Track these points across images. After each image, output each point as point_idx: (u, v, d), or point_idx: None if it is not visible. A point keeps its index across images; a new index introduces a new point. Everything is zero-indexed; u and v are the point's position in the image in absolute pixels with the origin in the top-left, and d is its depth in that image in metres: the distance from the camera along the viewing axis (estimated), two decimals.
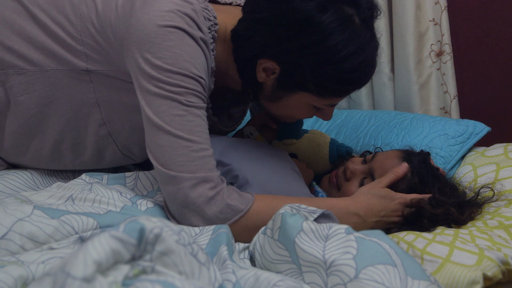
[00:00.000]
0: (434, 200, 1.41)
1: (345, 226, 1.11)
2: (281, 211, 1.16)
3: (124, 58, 1.31)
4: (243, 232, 1.29)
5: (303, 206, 1.22)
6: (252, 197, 1.31)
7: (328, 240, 1.09)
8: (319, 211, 1.22)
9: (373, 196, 1.40)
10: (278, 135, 1.72)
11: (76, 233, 1.18)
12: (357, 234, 1.08)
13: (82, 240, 1.18)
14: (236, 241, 1.28)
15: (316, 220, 1.22)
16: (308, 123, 2.16)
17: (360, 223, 1.35)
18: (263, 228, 1.22)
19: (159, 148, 1.26)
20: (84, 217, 1.21)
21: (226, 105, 1.68)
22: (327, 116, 1.47)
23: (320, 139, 1.69)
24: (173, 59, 1.25)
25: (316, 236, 1.10)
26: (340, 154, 1.69)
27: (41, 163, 1.51)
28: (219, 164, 1.43)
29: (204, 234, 1.24)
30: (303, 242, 1.10)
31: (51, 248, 1.14)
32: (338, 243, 1.08)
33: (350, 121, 2.03)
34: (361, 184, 1.51)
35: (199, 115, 1.28)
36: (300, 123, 1.71)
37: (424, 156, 1.54)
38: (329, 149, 1.67)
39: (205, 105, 1.31)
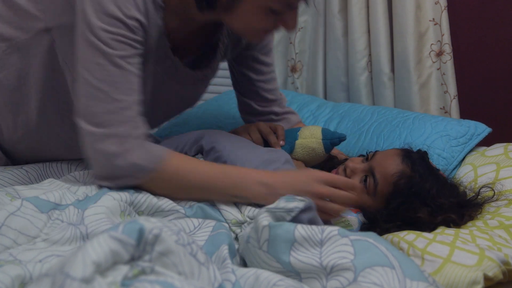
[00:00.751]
0: (433, 207, 1.42)
1: (337, 228, 1.10)
2: (264, 222, 1.12)
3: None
4: (161, 188, 1.29)
5: (279, 206, 1.18)
6: (163, 154, 1.28)
7: (323, 245, 1.08)
8: (296, 210, 1.18)
9: (295, 172, 1.35)
10: None
11: (63, 222, 1.19)
12: (352, 236, 1.07)
13: (73, 225, 1.19)
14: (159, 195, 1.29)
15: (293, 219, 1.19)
16: (308, 111, 2.13)
17: (268, 194, 1.29)
18: (246, 237, 1.18)
19: (77, 97, 1.25)
20: (66, 208, 1.22)
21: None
22: (289, 23, 1.37)
23: (312, 142, 1.67)
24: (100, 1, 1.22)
25: (311, 244, 1.08)
26: (334, 144, 1.67)
27: (33, 137, 1.50)
28: (212, 150, 1.43)
29: (203, 229, 1.23)
30: (300, 254, 1.08)
31: (44, 240, 1.15)
32: (333, 247, 1.07)
33: (353, 114, 2.02)
34: (361, 181, 1.51)
35: (121, 66, 1.24)
36: (290, 136, 1.68)
37: (423, 154, 1.54)
38: (324, 147, 1.66)
39: (135, 51, 1.27)
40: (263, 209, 1.17)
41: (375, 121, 1.94)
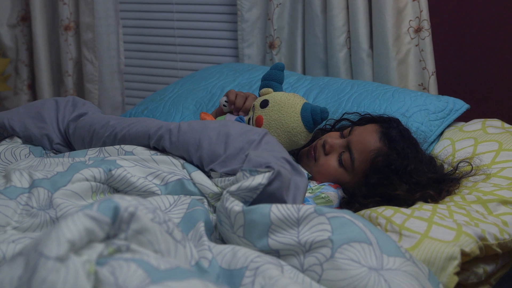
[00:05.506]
0: (411, 184, 1.42)
1: (313, 206, 1.09)
2: (236, 208, 1.10)
3: None
4: None
5: (243, 187, 1.14)
6: None
7: (301, 224, 1.07)
8: (261, 187, 1.15)
9: None
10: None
11: (33, 208, 1.18)
12: (329, 214, 1.07)
13: (42, 210, 1.18)
14: None
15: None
16: (287, 83, 2.09)
17: None
18: (218, 218, 1.17)
19: None
20: (35, 190, 1.20)
21: None
22: None
23: (293, 99, 1.56)
24: None
25: (288, 224, 1.07)
26: (315, 119, 1.52)
27: None
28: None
29: (178, 206, 1.21)
30: (278, 235, 1.07)
31: (14, 228, 1.14)
32: (311, 225, 1.06)
33: (333, 85, 2.00)
34: (339, 158, 1.50)
35: None
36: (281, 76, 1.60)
37: (402, 131, 1.52)
38: (302, 109, 1.52)
39: None
40: (226, 193, 1.14)
41: (355, 91, 1.93)
